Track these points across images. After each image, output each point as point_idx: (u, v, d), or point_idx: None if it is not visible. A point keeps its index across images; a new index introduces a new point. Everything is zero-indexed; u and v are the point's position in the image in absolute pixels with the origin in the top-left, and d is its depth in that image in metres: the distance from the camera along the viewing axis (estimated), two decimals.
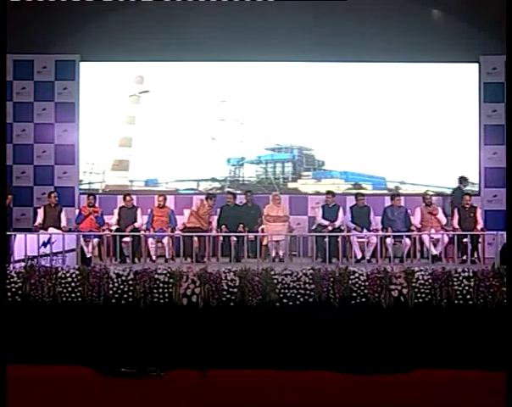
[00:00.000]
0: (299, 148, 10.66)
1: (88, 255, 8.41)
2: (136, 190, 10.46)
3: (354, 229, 9.10)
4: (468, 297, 6.40)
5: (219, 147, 10.57)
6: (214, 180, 10.67)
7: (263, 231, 9.18)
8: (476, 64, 10.36)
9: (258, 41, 10.07)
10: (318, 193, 10.47)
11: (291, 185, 10.66)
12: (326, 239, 7.83)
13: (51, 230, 8.57)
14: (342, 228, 9.28)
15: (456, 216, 9.21)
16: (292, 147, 10.68)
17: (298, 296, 6.43)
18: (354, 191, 10.20)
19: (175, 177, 10.66)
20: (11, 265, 6.87)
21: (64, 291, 6.50)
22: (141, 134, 10.69)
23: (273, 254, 8.99)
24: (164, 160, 10.56)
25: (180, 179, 10.65)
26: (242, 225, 9.21)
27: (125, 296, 6.48)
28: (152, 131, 10.63)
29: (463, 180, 9.84)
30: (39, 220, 9.22)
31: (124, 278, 6.51)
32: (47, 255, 7.45)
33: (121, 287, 6.49)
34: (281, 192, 10.17)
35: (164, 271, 6.54)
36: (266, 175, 10.74)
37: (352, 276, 6.47)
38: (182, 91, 10.57)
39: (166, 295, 6.47)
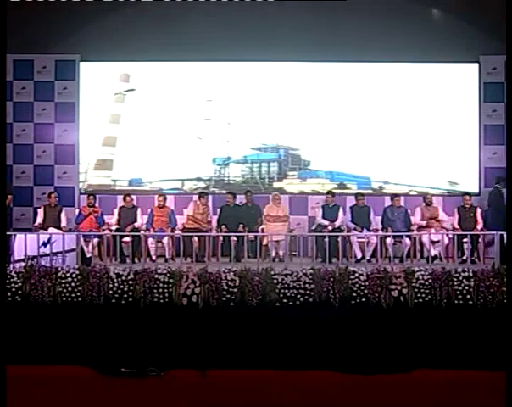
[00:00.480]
0: (285, 148, 10.66)
1: (88, 255, 8.40)
2: (119, 189, 10.45)
3: (354, 229, 9.10)
4: (468, 297, 6.41)
5: (205, 146, 10.55)
6: (199, 179, 10.64)
7: (263, 231, 9.18)
8: (476, 64, 10.36)
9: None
10: (303, 193, 10.50)
11: (276, 185, 10.64)
12: (326, 239, 7.83)
13: (51, 230, 8.57)
14: (342, 228, 9.28)
15: (456, 216, 9.21)
16: (278, 147, 10.67)
17: (298, 296, 6.43)
18: (339, 191, 10.22)
19: (159, 177, 10.63)
20: (11, 265, 6.86)
21: (64, 291, 6.51)
22: (125, 133, 10.64)
23: (273, 254, 8.99)
24: (148, 160, 10.54)
25: (164, 178, 10.63)
26: (242, 225, 9.21)
27: (125, 296, 6.48)
28: (137, 131, 10.59)
29: (500, 180, 9.72)
30: (39, 220, 9.21)
31: (124, 278, 6.51)
32: (47, 255, 7.44)
33: (121, 287, 6.49)
34: (266, 191, 10.21)
35: (164, 271, 6.54)
36: (252, 175, 10.73)
37: (352, 276, 6.47)
38: (169, 91, 10.55)
39: (166, 295, 6.47)
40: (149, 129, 10.56)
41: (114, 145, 10.69)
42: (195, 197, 9.73)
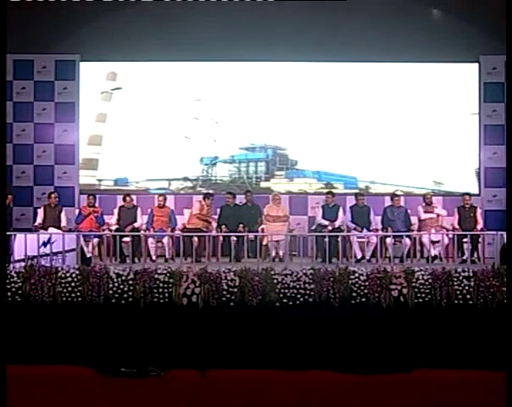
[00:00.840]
0: (273, 148, 10.65)
1: (88, 255, 8.41)
2: (104, 189, 10.48)
3: (354, 229, 9.10)
4: (468, 297, 6.40)
5: (192, 146, 10.53)
6: (186, 179, 10.62)
7: (263, 230, 9.18)
8: (476, 64, 10.36)
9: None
10: (290, 193, 10.47)
11: (263, 184, 10.64)
12: (326, 239, 7.83)
13: (51, 230, 8.57)
14: (342, 228, 9.28)
15: (456, 216, 9.22)
16: (266, 147, 10.66)
17: (298, 296, 6.43)
18: (326, 190, 10.22)
19: (145, 176, 10.61)
20: (11, 265, 6.86)
21: (64, 291, 6.50)
22: (112, 132, 10.61)
23: (273, 254, 8.98)
24: (135, 159, 10.52)
25: (150, 178, 10.60)
26: (241, 225, 9.21)
27: (125, 296, 6.48)
28: (123, 129, 10.55)
29: None
30: (39, 220, 9.21)
31: (124, 278, 6.51)
32: (47, 255, 7.44)
33: (121, 286, 6.49)
34: (254, 191, 10.17)
35: (164, 271, 6.54)
36: (239, 175, 10.71)
37: (352, 276, 6.47)
38: (156, 90, 10.51)
39: (166, 295, 6.47)
40: (136, 128, 10.52)
41: (100, 144, 10.66)
42: (199, 198, 9.69)
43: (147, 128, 10.52)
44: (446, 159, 10.35)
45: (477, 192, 10.21)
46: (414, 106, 10.40)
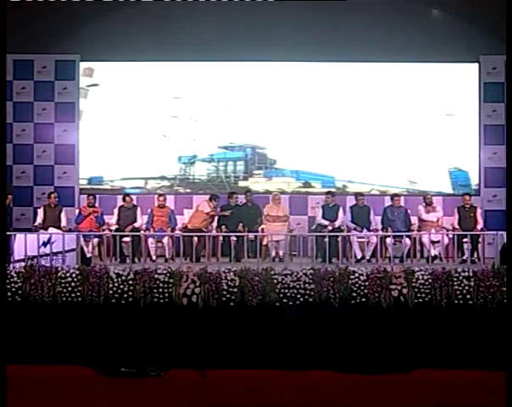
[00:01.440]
0: (252, 147, 10.63)
1: (88, 255, 8.41)
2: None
3: (354, 229, 9.10)
4: (468, 297, 6.40)
5: (170, 144, 10.50)
6: (163, 178, 10.60)
7: (263, 230, 9.18)
8: (476, 64, 10.36)
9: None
10: (268, 192, 10.32)
11: (242, 183, 10.61)
12: (326, 239, 7.83)
13: (51, 230, 8.57)
14: (342, 228, 9.28)
15: (456, 216, 9.22)
16: (245, 146, 10.63)
17: (298, 296, 6.43)
18: (304, 189, 10.21)
19: (121, 175, 10.57)
20: (11, 265, 6.86)
21: (64, 291, 6.50)
22: (88, 129, 10.57)
23: (273, 254, 8.99)
24: (111, 157, 10.47)
25: (126, 177, 10.57)
26: (241, 225, 9.21)
27: (125, 296, 6.48)
28: (100, 127, 10.51)
29: None
30: (39, 220, 9.21)
31: (124, 278, 6.51)
32: (47, 255, 7.45)
33: (121, 286, 6.49)
34: (232, 190, 10.13)
35: (164, 271, 6.54)
36: (217, 174, 10.67)
37: (352, 276, 6.47)
38: (135, 87, 10.47)
39: (166, 295, 6.47)
40: (113, 125, 10.48)
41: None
42: (205, 197, 9.66)
43: (125, 126, 10.47)
44: (431, 160, 10.34)
45: (451, 191, 10.20)
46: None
